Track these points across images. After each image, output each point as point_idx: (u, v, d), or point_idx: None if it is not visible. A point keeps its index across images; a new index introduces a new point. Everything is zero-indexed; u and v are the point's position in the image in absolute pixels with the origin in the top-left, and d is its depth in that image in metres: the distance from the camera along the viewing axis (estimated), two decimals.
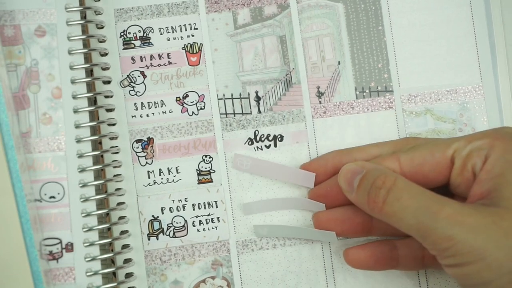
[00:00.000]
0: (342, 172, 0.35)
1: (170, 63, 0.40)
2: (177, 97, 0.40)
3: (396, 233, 0.37)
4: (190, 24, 0.40)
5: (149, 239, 0.39)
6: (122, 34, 0.40)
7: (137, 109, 0.40)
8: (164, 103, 0.40)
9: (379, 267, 0.37)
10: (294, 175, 0.39)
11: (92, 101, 0.39)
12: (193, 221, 0.40)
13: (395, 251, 0.37)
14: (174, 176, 0.40)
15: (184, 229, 0.39)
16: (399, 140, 0.38)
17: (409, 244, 0.37)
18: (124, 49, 0.40)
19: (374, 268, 0.37)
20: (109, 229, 0.39)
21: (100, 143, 0.39)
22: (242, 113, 0.40)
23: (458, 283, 0.32)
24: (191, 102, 0.40)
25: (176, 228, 0.39)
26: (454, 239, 0.29)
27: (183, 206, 0.40)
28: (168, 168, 0.40)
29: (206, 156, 0.40)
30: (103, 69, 0.40)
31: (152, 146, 0.40)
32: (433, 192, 0.31)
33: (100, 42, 0.40)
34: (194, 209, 0.40)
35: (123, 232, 0.39)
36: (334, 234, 0.37)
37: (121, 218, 0.39)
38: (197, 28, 0.40)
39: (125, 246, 0.39)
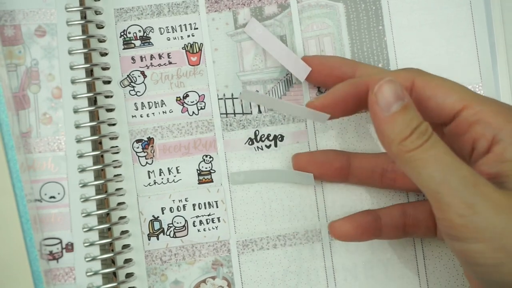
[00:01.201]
0: (383, 86, 0.31)
1: (170, 63, 0.40)
2: (177, 97, 0.40)
3: (371, 182, 0.38)
4: (190, 24, 0.40)
5: (149, 239, 0.39)
6: (122, 34, 0.40)
7: (137, 109, 0.40)
8: (164, 103, 0.40)
9: (364, 238, 0.37)
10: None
11: (92, 101, 0.39)
12: (194, 221, 0.40)
13: (379, 221, 0.37)
14: (175, 176, 0.40)
15: (185, 229, 0.39)
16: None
17: (391, 213, 0.37)
18: (124, 49, 0.40)
19: (360, 239, 0.37)
20: (109, 229, 0.39)
21: (100, 143, 0.39)
22: (243, 113, 0.40)
23: (460, 261, 0.30)
24: (191, 102, 0.40)
25: (176, 228, 0.39)
26: (474, 208, 0.27)
27: (184, 206, 0.40)
28: (168, 168, 0.40)
29: (206, 156, 0.40)
30: (103, 69, 0.40)
31: (152, 146, 0.40)
32: (463, 162, 0.30)
33: (100, 42, 0.40)
34: (194, 209, 0.40)
35: (123, 232, 0.39)
36: (311, 176, 0.38)
37: (121, 218, 0.39)
38: (197, 28, 0.40)
39: (125, 246, 0.39)
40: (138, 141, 0.40)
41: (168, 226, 0.39)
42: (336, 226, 0.37)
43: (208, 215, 0.40)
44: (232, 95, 0.40)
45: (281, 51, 0.39)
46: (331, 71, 0.38)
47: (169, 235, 0.39)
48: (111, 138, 0.39)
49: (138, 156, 0.40)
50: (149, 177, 0.40)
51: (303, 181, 0.38)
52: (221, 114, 0.40)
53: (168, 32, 0.40)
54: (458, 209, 0.28)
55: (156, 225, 0.39)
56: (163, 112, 0.40)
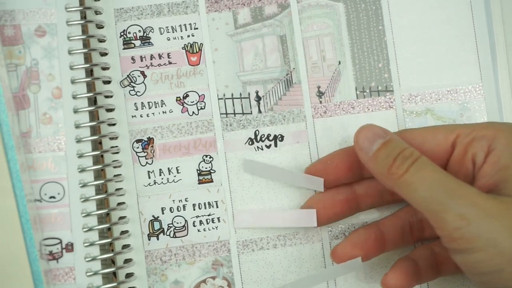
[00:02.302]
0: (362, 129, 0.34)
1: (170, 63, 0.40)
2: (177, 97, 0.40)
3: (404, 242, 0.37)
4: (190, 24, 0.40)
5: (149, 239, 0.39)
6: (122, 34, 0.40)
7: (137, 109, 0.40)
8: (164, 103, 0.40)
9: (370, 257, 0.37)
10: (302, 180, 0.38)
11: (92, 101, 0.39)
12: (194, 221, 0.40)
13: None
14: (175, 176, 0.40)
15: (185, 229, 0.39)
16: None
17: (420, 254, 0.36)
18: (124, 49, 0.40)
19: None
20: (109, 229, 0.39)
21: (100, 143, 0.39)
22: (243, 113, 0.40)
23: (466, 272, 0.31)
24: (191, 102, 0.40)
25: (176, 228, 0.39)
26: (467, 219, 0.28)
27: (184, 206, 0.40)
28: (168, 168, 0.40)
29: (206, 156, 0.40)
30: (103, 69, 0.40)
31: (152, 146, 0.40)
32: (452, 176, 0.31)
33: (100, 42, 0.40)
34: (194, 209, 0.40)
35: (123, 232, 0.39)
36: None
37: (121, 218, 0.39)
38: (197, 28, 0.40)
39: (125, 246, 0.39)
40: (138, 141, 0.40)
41: (168, 226, 0.39)
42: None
43: (208, 215, 0.40)
44: (232, 95, 0.40)
45: (288, 175, 0.39)
46: (336, 169, 0.38)
47: (169, 235, 0.39)
48: (111, 138, 0.39)
49: (138, 156, 0.40)
50: (149, 177, 0.40)
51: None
52: (221, 114, 0.40)
53: (168, 32, 0.40)
54: (453, 223, 0.28)
55: (156, 225, 0.39)
56: (163, 112, 0.40)
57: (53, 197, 0.38)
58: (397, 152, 0.32)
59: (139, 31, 0.40)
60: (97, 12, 0.40)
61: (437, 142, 0.34)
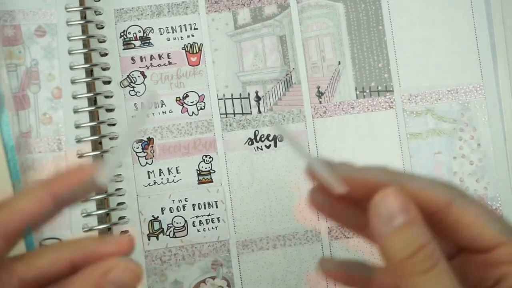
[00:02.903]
0: (386, 197, 0.27)
1: (170, 63, 0.40)
2: (177, 97, 0.40)
3: None
4: (190, 24, 0.40)
5: (149, 239, 0.39)
6: (122, 34, 0.40)
7: (137, 109, 0.40)
8: (164, 103, 0.40)
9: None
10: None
11: (92, 101, 0.39)
12: (193, 221, 0.40)
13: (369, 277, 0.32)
14: (174, 176, 0.40)
15: (184, 229, 0.39)
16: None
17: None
18: (124, 49, 0.40)
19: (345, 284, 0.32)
20: (109, 229, 0.39)
21: (100, 143, 0.39)
22: (242, 113, 0.40)
23: None
24: (191, 102, 0.40)
25: (176, 228, 0.39)
26: None
27: (183, 206, 0.40)
28: (168, 168, 0.40)
29: (206, 156, 0.40)
30: (103, 69, 0.40)
31: (152, 146, 0.40)
32: None
33: (100, 42, 0.40)
34: (194, 209, 0.40)
35: (123, 232, 0.39)
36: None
37: (121, 218, 0.39)
38: (197, 28, 0.40)
39: None
40: (138, 141, 0.40)
41: (168, 226, 0.39)
42: (322, 263, 0.31)
43: (208, 215, 0.40)
44: (232, 95, 0.40)
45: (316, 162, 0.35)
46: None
47: (169, 235, 0.39)
48: (111, 138, 0.39)
49: (138, 156, 0.40)
50: (149, 177, 0.40)
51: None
52: (221, 114, 0.40)
53: (168, 33, 0.40)
54: None
55: (156, 225, 0.39)
56: (163, 112, 0.40)
57: None
58: (420, 244, 0.27)
59: (139, 31, 0.40)
60: (97, 13, 0.40)
61: (479, 238, 0.29)
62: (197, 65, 0.40)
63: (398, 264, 0.26)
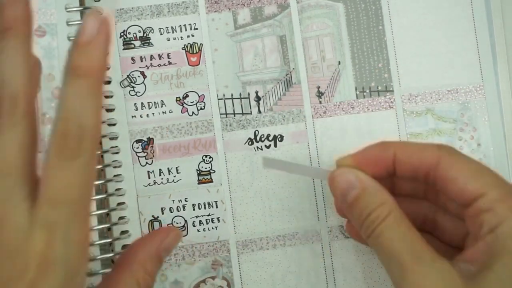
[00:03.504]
0: (336, 179, 0.32)
1: (170, 63, 0.40)
2: (177, 97, 0.40)
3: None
4: (190, 24, 0.40)
5: None
6: (122, 34, 0.40)
7: (137, 109, 0.40)
8: (164, 103, 0.40)
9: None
10: (311, 171, 0.37)
11: None
12: (193, 221, 0.40)
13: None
14: (174, 176, 0.40)
15: (184, 229, 0.39)
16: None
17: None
18: (124, 49, 0.40)
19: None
20: (109, 229, 0.39)
21: (100, 143, 0.39)
22: (242, 113, 0.40)
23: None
24: (191, 102, 0.40)
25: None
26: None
27: (183, 206, 0.40)
28: (168, 168, 0.40)
29: (206, 156, 0.40)
30: None
31: (152, 146, 0.40)
32: (421, 240, 0.29)
33: None
34: (194, 209, 0.40)
35: (123, 232, 0.39)
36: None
37: (121, 218, 0.39)
38: (197, 28, 0.40)
39: (125, 246, 0.39)
40: (138, 141, 0.40)
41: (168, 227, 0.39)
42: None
43: (208, 215, 0.40)
44: (232, 95, 0.40)
45: (309, 170, 0.37)
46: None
47: None
48: (111, 138, 0.39)
49: (138, 156, 0.40)
50: (149, 177, 0.40)
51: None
52: (220, 114, 0.40)
53: (168, 33, 0.40)
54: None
55: (156, 225, 0.39)
56: (163, 112, 0.40)
57: None
58: (365, 215, 0.31)
59: (139, 31, 0.40)
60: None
61: (464, 190, 0.31)
62: (197, 65, 0.40)
63: (360, 230, 0.31)
